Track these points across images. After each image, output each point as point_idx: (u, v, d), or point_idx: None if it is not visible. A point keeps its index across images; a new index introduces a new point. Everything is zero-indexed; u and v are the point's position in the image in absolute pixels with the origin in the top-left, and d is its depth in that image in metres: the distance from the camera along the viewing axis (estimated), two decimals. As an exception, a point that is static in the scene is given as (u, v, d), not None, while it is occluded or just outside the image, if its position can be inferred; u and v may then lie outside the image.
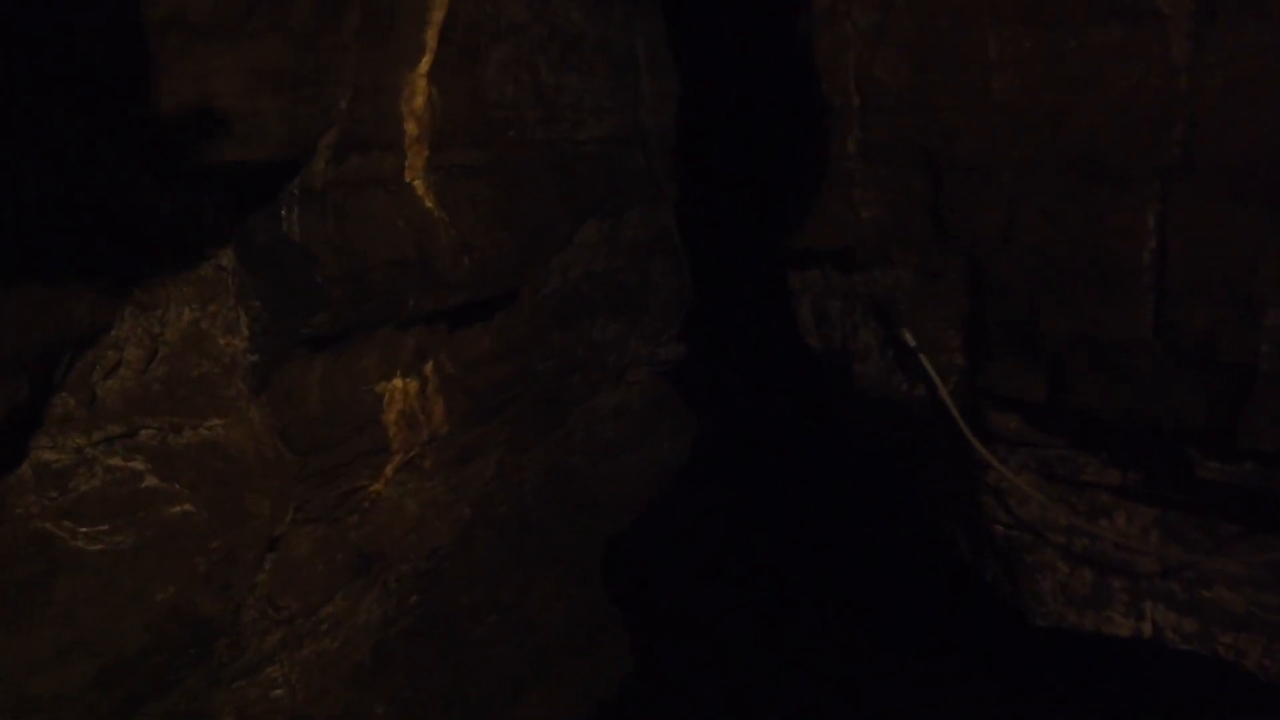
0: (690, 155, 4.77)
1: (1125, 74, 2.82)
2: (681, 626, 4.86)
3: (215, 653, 2.53)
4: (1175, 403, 2.82)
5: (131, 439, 2.23)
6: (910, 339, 3.26)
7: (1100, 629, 3.23)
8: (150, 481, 2.26)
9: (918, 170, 3.22)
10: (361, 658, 3.15)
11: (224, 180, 2.24)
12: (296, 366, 2.56)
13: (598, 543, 4.41)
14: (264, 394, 2.49)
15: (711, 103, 5.00)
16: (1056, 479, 3.18)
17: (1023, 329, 3.06)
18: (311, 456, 2.65)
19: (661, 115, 4.47)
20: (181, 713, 2.48)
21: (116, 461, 2.20)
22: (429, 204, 2.87)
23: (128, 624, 2.23)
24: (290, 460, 2.58)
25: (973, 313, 3.19)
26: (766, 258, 3.81)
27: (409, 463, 3.09)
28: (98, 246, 2.10)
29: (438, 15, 2.77)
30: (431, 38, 2.77)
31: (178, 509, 2.31)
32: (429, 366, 3.06)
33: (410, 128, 2.77)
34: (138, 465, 2.24)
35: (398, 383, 2.94)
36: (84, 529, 2.15)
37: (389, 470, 3.00)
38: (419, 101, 2.77)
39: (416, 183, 2.84)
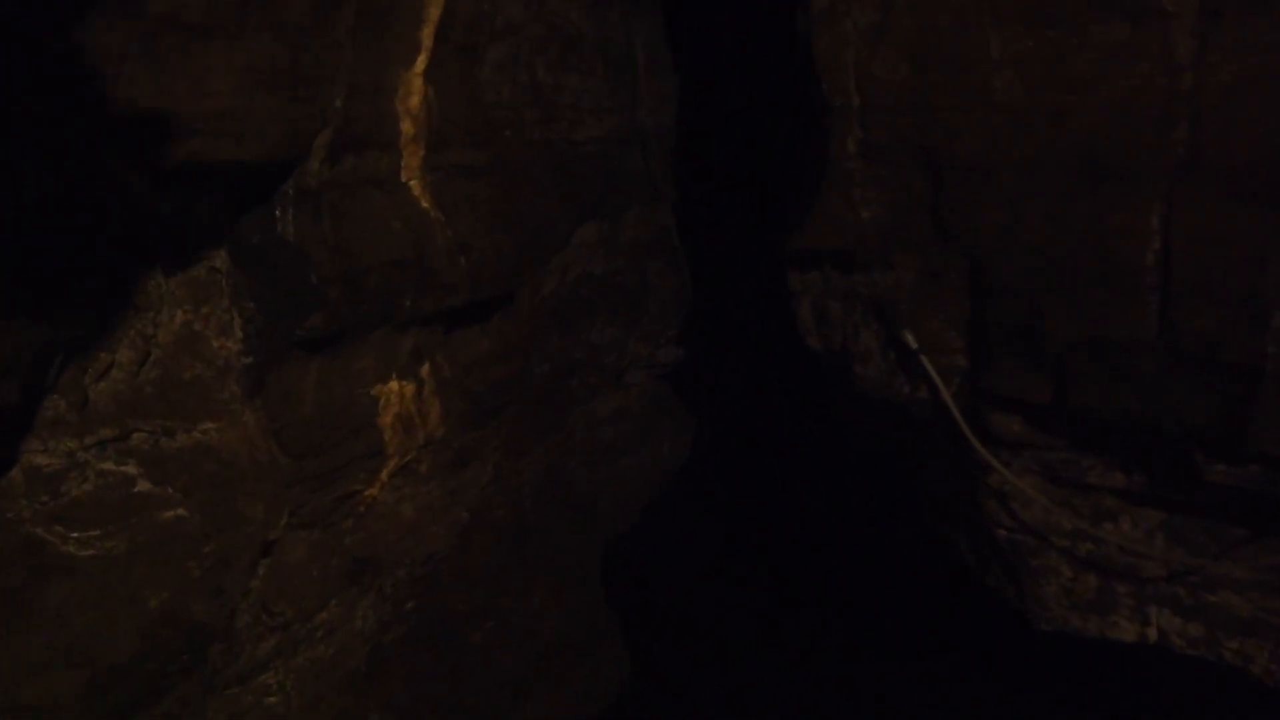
0: (689, 156, 4.76)
1: (1128, 73, 2.81)
2: (681, 631, 4.85)
3: (209, 659, 2.52)
4: (1180, 405, 2.81)
5: (124, 442, 2.22)
6: (912, 340, 3.25)
7: (1105, 634, 3.22)
8: (143, 486, 2.25)
9: (918, 170, 3.21)
10: (357, 664, 3.14)
11: (218, 180, 2.23)
12: (291, 369, 2.55)
13: (596, 546, 4.40)
14: (258, 397, 2.48)
15: (710, 103, 4.99)
16: (1060, 482, 3.16)
17: (1025, 330, 3.05)
18: (306, 460, 2.64)
19: (660, 115, 4.46)
20: (175, 720, 2.47)
21: (109, 465, 2.20)
22: (425, 204, 2.86)
23: (120, 630, 2.23)
24: (285, 464, 2.57)
25: (974, 314, 3.18)
26: (766, 259, 3.80)
27: (405, 467, 3.08)
28: (89, 247, 2.10)
29: (434, 14, 2.76)
30: (427, 36, 2.76)
31: (170, 513, 2.30)
32: (425, 369, 3.05)
33: (406, 127, 2.76)
34: (130, 469, 2.23)
35: (394, 385, 2.93)
36: (75, 534, 2.14)
37: (385, 474, 2.99)
38: (415, 101, 2.76)
39: (413, 183, 2.83)
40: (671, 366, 4.87)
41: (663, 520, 4.92)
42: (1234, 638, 3.00)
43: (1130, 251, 2.84)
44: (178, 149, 2.01)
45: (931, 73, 3.10)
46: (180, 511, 2.31)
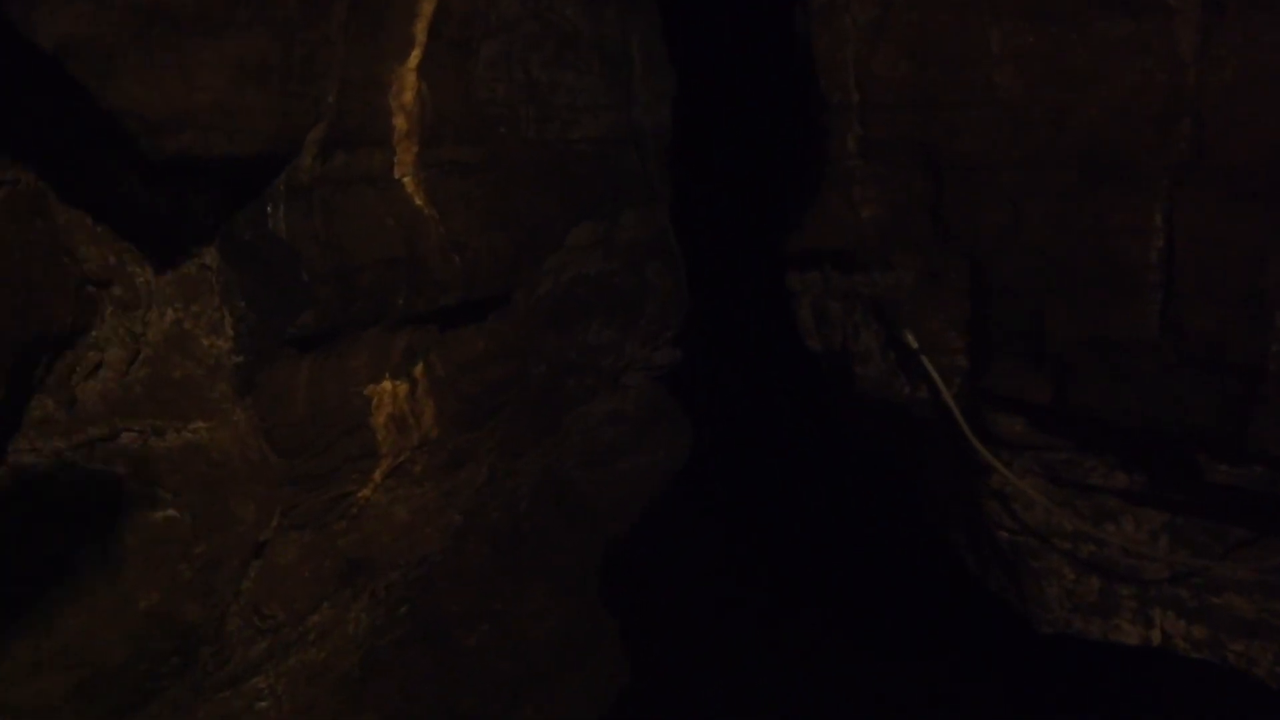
0: (687, 155, 4.75)
1: (1131, 69, 2.81)
2: (680, 634, 4.85)
3: (199, 662, 2.51)
4: (1183, 405, 2.81)
5: (113, 442, 2.22)
6: (912, 340, 3.24)
7: (1108, 637, 3.22)
8: (132, 486, 2.24)
9: (918, 169, 3.21)
10: (350, 668, 3.13)
11: (208, 176, 2.23)
12: (283, 368, 2.55)
13: (594, 549, 4.39)
14: (249, 396, 2.48)
15: (708, 101, 4.99)
16: (1062, 483, 3.16)
17: (1027, 330, 3.04)
18: (298, 460, 2.63)
19: (657, 114, 4.46)
20: (164, 724, 2.47)
21: (97, 466, 2.19)
22: (419, 201, 2.86)
23: (110, 632, 2.22)
24: (276, 464, 2.56)
25: (975, 314, 3.18)
26: (765, 259, 3.80)
27: (398, 467, 3.07)
28: (77, 244, 2.10)
29: (427, 8, 2.76)
30: (421, 31, 2.76)
31: (160, 514, 2.29)
32: (419, 368, 3.04)
33: (399, 123, 2.76)
34: (119, 469, 2.22)
35: (387, 385, 2.93)
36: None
37: (378, 475, 2.98)
38: (408, 97, 2.76)
39: (406, 180, 2.82)
40: (669, 368, 4.87)
41: (661, 523, 4.92)
42: (1238, 640, 3.01)
43: (1132, 251, 2.84)
44: (168, 144, 2.00)
45: (932, 69, 3.10)
46: (170, 512, 2.31)
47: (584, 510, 4.29)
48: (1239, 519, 2.92)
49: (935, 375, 3.23)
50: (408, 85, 2.76)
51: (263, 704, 2.81)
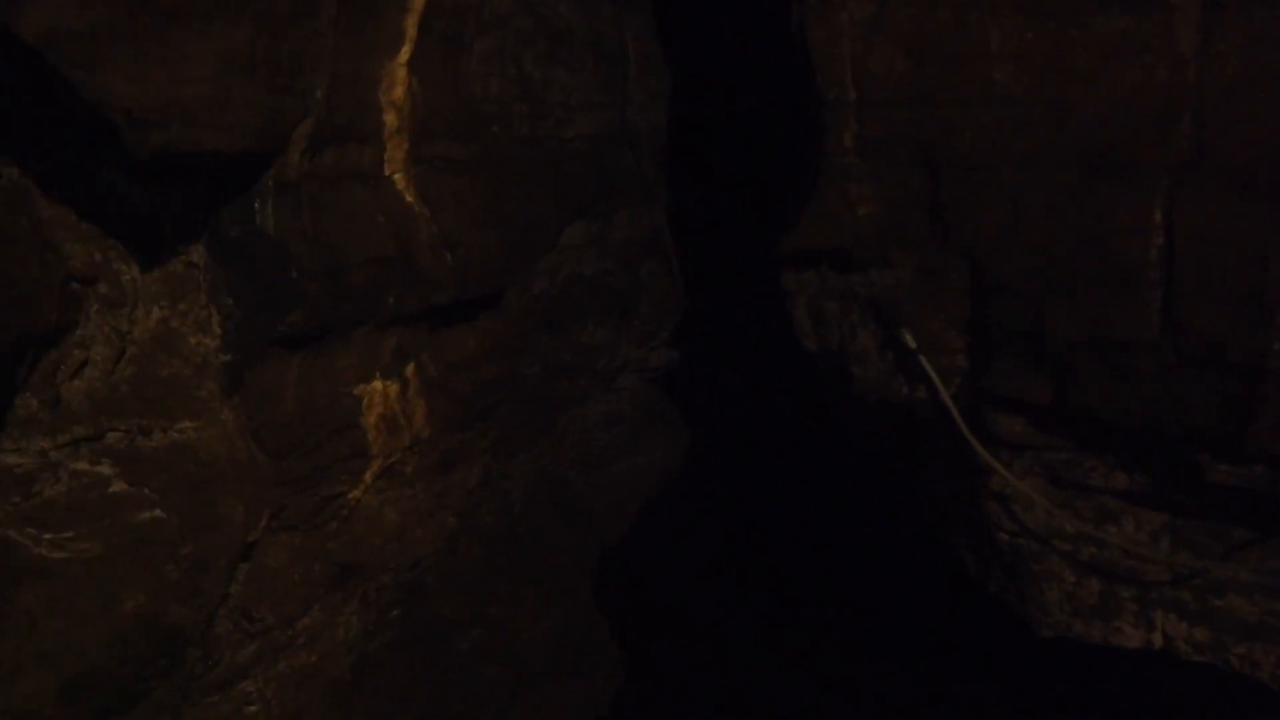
0: (681, 153, 4.75)
1: (1131, 67, 2.80)
2: (676, 638, 4.83)
3: (186, 665, 2.50)
4: (1184, 405, 2.80)
5: (98, 442, 2.21)
6: (910, 340, 3.24)
7: (1109, 640, 3.21)
8: (118, 486, 2.24)
9: (916, 166, 3.20)
10: (340, 673, 3.11)
11: (194, 172, 2.22)
12: (271, 366, 2.54)
13: (588, 553, 4.38)
14: (237, 395, 2.47)
15: (703, 99, 4.98)
16: (1062, 484, 3.16)
17: (1026, 330, 3.04)
18: (287, 461, 2.62)
19: (651, 112, 4.46)
20: (151, 728, 2.45)
21: (82, 465, 2.18)
22: (409, 198, 2.85)
23: (94, 635, 2.21)
24: (265, 464, 2.55)
25: (975, 313, 3.18)
26: (760, 258, 3.79)
27: (389, 469, 3.06)
28: (62, 241, 2.08)
29: (419, 3, 2.75)
30: (412, 26, 2.75)
31: (147, 514, 2.28)
32: (410, 368, 3.03)
33: (390, 119, 2.75)
34: (105, 469, 2.22)
35: (377, 385, 2.92)
36: (48, 536, 2.12)
37: (368, 476, 2.97)
38: (399, 92, 2.75)
39: (396, 176, 2.81)
40: (664, 369, 4.87)
41: (657, 525, 4.91)
42: (1241, 643, 3.00)
43: (1132, 249, 2.84)
44: (153, 138, 1.99)
45: (929, 66, 3.10)
46: (157, 513, 2.30)
47: (579, 512, 4.28)
48: (1241, 520, 2.92)
49: (934, 375, 3.22)
50: (398, 81, 2.75)
51: (252, 708, 2.79)
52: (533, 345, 3.74)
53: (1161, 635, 3.14)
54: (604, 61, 4.10)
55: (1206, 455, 2.82)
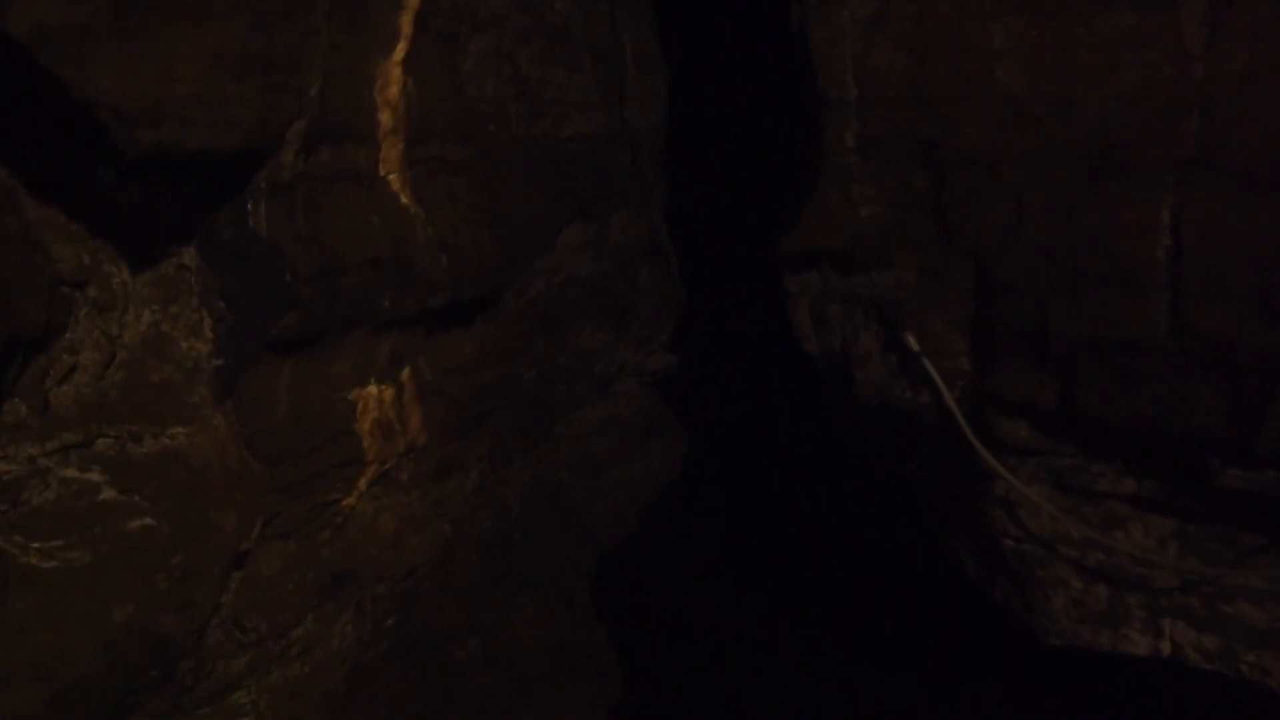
0: (680, 154, 4.75)
1: (1136, 63, 2.81)
2: (675, 647, 4.82)
3: (177, 676, 2.48)
4: (1193, 407, 2.80)
5: (88, 448, 2.19)
6: (913, 343, 3.23)
7: (1116, 648, 3.20)
8: (108, 494, 2.22)
9: (919, 166, 3.20)
10: (334, 684, 3.10)
11: (186, 172, 2.20)
12: (264, 371, 2.52)
13: (586, 560, 4.37)
14: (229, 400, 2.45)
15: (702, 98, 4.98)
16: (1068, 489, 3.15)
17: (1031, 331, 3.03)
18: (280, 467, 2.60)
19: (650, 111, 4.45)
20: (142, 741, 2.44)
21: (72, 473, 2.16)
22: (405, 199, 2.84)
23: (84, 645, 2.19)
24: (258, 471, 2.53)
25: (979, 315, 3.17)
26: (760, 260, 3.79)
27: (384, 475, 3.05)
28: (50, 243, 2.07)
29: (413, 0, 2.75)
30: (407, 23, 2.74)
31: (137, 523, 2.26)
32: (405, 372, 3.02)
33: (385, 118, 2.74)
34: (94, 476, 2.20)
35: (372, 389, 2.90)
36: (36, 544, 2.10)
37: (363, 483, 2.96)
38: (394, 91, 2.74)
39: (392, 177, 2.80)
40: (663, 373, 4.86)
41: (655, 533, 4.90)
42: (1251, 650, 2.99)
43: (1139, 249, 2.84)
44: (144, 137, 1.98)
45: (931, 64, 3.10)
46: (147, 520, 2.28)
47: (576, 519, 4.27)
48: (1251, 525, 2.91)
49: (937, 378, 3.21)
50: (393, 79, 2.74)
51: (244, 720, 2.78)
52: (529, 349, 3.73)
53: (1170, 643, 3.13)
54: (601, 60, 4.10)
55: (1216, 459, 2.81)
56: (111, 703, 2.29)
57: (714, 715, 4.47)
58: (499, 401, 3.50)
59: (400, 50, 2.75)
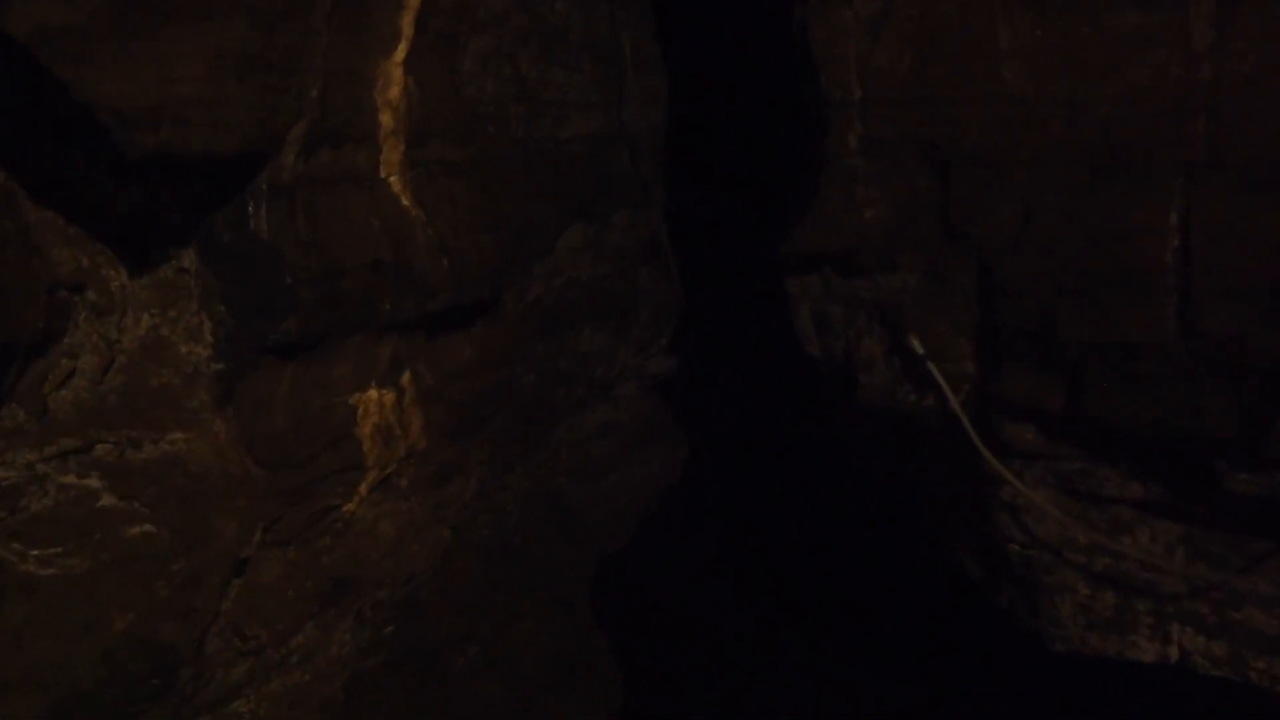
0: (681, 155, 4.75)
1: (1143, 63, 2.81)
2: (675, 653, 4.83)
3: (178, 685, 2.47)
4: (1201, 410, 2.80)
5: (87, 454, 2.18)
6: (918, 346, 3.23)
7: (1124, 654, 3.21)
8: (107, 500, 2.21)
9: (923, 166, 3.20)
10: (334, 692, 3.10)
11: (186, 174, 2.20)
12: (264, 376, 2.51)
13: (586, 566, 4.37)
14: (229, 405, 2.44)
15: (703, 99, 4.98)
16: (1075, 494, 3.15)
17: (1038, 334, 3.04)
18: (280, 473, 2.60)
19: (650, 112, 4.45)
20: (140, 750, 2.43)
21: (70, 479, 2.16)
22: (405, 202, 2.83)
23: (83, 654, 2.19)
24: (258, 477, 2.53)
25: (984, 318, 3.17)
26: (762, 262, 3.79)
27: (385, 481, 3.04)
28: (49, 246, 2.07)
29: (414, 0, 2.74)
30: (408, 24, 2.74)
31: (137, 529, 2.26)
32: (406, 377, 3.01)
33: (385, 120, 2.73)
34: (93, 483, 2.19)
35: (373, 394, 2.90)
36: (35, 552, 2.10)
37: (363, 489, 2.95)
38: (394, 92, 2.74)
39: (392, 179, 2.80)
40: (663, 377, 4.85)
41: (656, 538, 4.90)
42: (1260, 657, 2.99)
43: (1147, 250, 2.84)
44: (144, 139, 1.97)
45: (936, 64, 3.10)
46: (147, 527, 2.27)
47: (576, 524, 4.27)
48: (1260, 530, 2.91)
49: (942, 382, 3.21)
50: (394, 81, 2.74)
51: (243, 729, 2.78)
52: (529, 353, 3.72)
53: (1178, 649, 3.13)
54: (601, 61, 4.09)
55: (1224, 463, 2.82)
56: (111, 712, 2.28)
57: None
58: (499, 406, 3.49)
59: (401, 51, 2.74)
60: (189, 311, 2.34)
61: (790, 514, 5.68)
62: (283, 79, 2.29)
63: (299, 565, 2.82)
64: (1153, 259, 2.83)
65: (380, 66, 2.70)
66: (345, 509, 2.93)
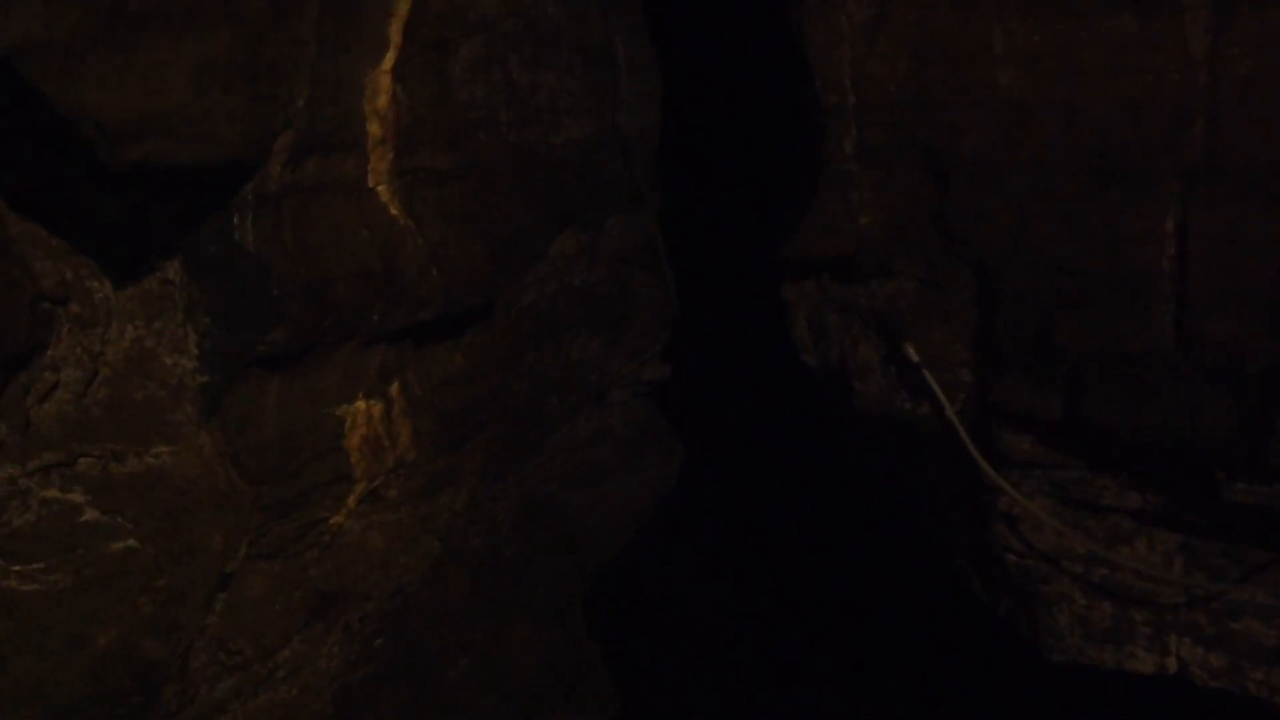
0: (674, 160, 4.74)
1: (1140, 68, 2.83)
2: (670, 665, 4.83)
3: (162, 701, 2.48)
4: (1200, 419, 2.81)
5: (70, 468, 2.19)
6: (914, 354, 3.24)
7: (1122, 665, 3.22)
8: (90, 515, 2.22)
9: (920, 172, 3.22)
10: (322, 706, 3.10)
11: (171, 186, 2.20)
12: (250, 388, 2.52)
13: (579, 577, 4.37)
14: (215, 418, 2.45)
15: (697, 104, 4.99)
16: (1073, 503, 3.16)
17: (1035, 342, 3.05)
18: (267, 486, 2.60)
19: (643, 117, 4.45)
20: (125, 767, 2.43)
21: (53, 493, 2.17)
22: (394, 211, 2.84)
23: (66, 671, 2.19)
24: (244, 490, 2.54)
25: (981, 325, 3.18)
26: (757, 268, 3.80)
27: (373, 492, 3.05)
28: (32, 259, 2.07)
29: (403, 8, 2.74)
30: (396, 32, 2.74)
31: (120, 544, 2.26)
32: (395, 387, 3.02)
33: (374, 129, 2.74)
34: (76, 497, 2.20)
35: (361, 405, 2.90)
36: (17, 567, 2.11)
37: (351, 501, 2.96)
38: (383, 101, 2.74)
39: (381, 188, 2.80)
40: (657, 385, 4.85)
41: (650, 548, 4.90)
42: (1259, 668, 3.00)
43: (1144, 257, 2.86)
44: (129, 151, 1.98)
45: (932, 69, 3.11)
46: (131, 542, 2.28)
47: (569, 535, 4.27)
48: (1258, 540, 2.92)
49: (939, 391, 3.22)
50: (382, 89, 2.74)
51: (230, 745, 2.78)
52: (521, 361, 3.72)
53: (1176, 660, 3.14)
54: (593, 64, 4.09)
55: (1223, 472, 2.83)
56: (95, 729, 2.29)
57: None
58: (490, 415, 3.50)
59: (390, 59, 2.75)
60: (174, 323, 2.34)
61: (787, 519, 5.68)
62: (269, 89, 2.30)
63: (286, 578, 2.82)
64: (1150, 265, 2.85)
65: (369, 75, 2.71)
66: (333, 521, 2.93)
